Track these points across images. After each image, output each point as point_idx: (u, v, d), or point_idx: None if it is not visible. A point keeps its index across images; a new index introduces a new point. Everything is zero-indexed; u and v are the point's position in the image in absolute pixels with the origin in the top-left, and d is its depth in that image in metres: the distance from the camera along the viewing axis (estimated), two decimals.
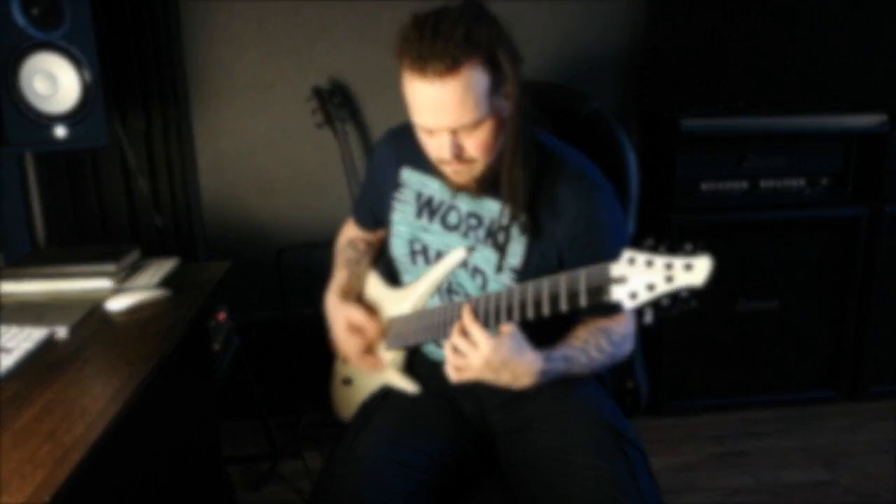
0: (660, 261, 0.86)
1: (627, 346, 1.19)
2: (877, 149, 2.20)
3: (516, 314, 1.04)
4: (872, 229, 2.24)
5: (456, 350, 1.06)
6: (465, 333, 1.05)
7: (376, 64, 2.09)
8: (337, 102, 2.11)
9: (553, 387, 1.12)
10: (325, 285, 1.34)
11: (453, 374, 1.07)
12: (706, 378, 2.30)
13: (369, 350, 1.28)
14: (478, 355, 1.04)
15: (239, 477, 2.00)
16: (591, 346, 1.14)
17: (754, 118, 2.15)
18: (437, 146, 1.09)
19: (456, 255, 1.17)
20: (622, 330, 1.17)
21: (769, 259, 2.23)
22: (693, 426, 2.25)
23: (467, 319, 1.06)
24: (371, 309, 1.28)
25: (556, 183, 1.14)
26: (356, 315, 1.26)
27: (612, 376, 1.33)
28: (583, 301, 0.94)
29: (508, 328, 1.05)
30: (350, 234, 1.43)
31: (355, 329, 1.26)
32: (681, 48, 2.26)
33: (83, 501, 0.84)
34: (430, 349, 1.26)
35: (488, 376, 1.05)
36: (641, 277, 0.87)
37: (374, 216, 1.35)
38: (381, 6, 2.10)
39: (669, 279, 0.85)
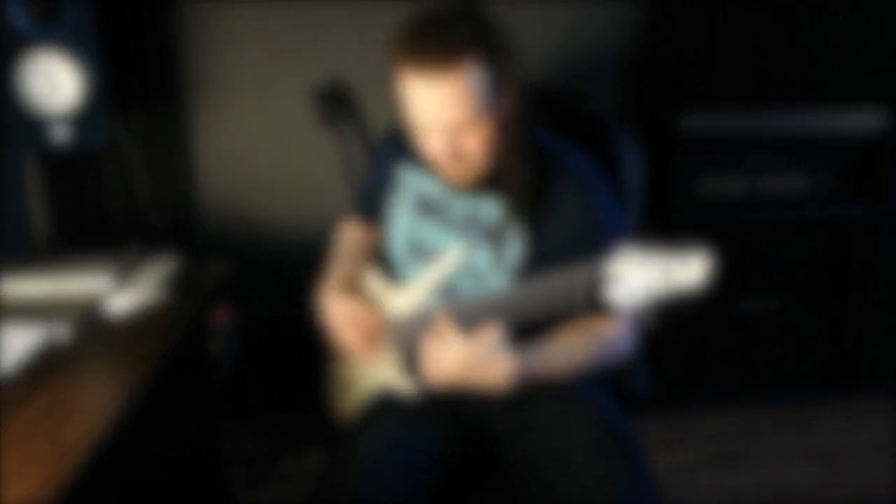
0: (657, 259, 0.86)
1: (621, 349, 1.17)
2: (878, 148, 2.20)
3: (511, 314, 1.04)
4: (873, 229, 2.24)
5: (431, 353, 1.07)
6: (439, 336, 1.07)
7: (376, 64, 2.08)
8: (337, 103, 2.11)
9: (553, 387, 1.12)
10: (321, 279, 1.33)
11: (430, 376, 1.08)
12: (706, 378, 2.30)
13: (370, 342, 1.25)
14: (450, 355, 1.04)
15: (239, 477, 2.00)
16: (576, 349, 1.13)
17: (754, 118, 2.15)
18: (435, 146, 1.09)
19: (453, 255, 1.17)
20: (614, 332, 1.15)
21: (769, 259, 2.23)
22: (693, 426, 2.25)
23: (441, 320, 1.07)
24: (370, 303, 1.27)
25: (556, 182, 1.15)
26: (356, 306, 1.24)
27: (612, 376, 1.33)
28: (578, 300, 0.94)
29: (490, 329, 1.05)
30: (350, 234, 1.42)
31: (356, 321, 1.24)
32: (681, 48, 2.26)
33: (83, 502, 0.84)
34: None
35: (463, 377, 1.05)
36: (638, 276, 0.87)
37: (376, 210, 1.35)
38: (381, 6, 2.10)
39: (666, 277, 0.85)
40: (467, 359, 1.04)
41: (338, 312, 1.26)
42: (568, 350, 1.13)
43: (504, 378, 1.05)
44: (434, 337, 1.08)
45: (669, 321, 1.03)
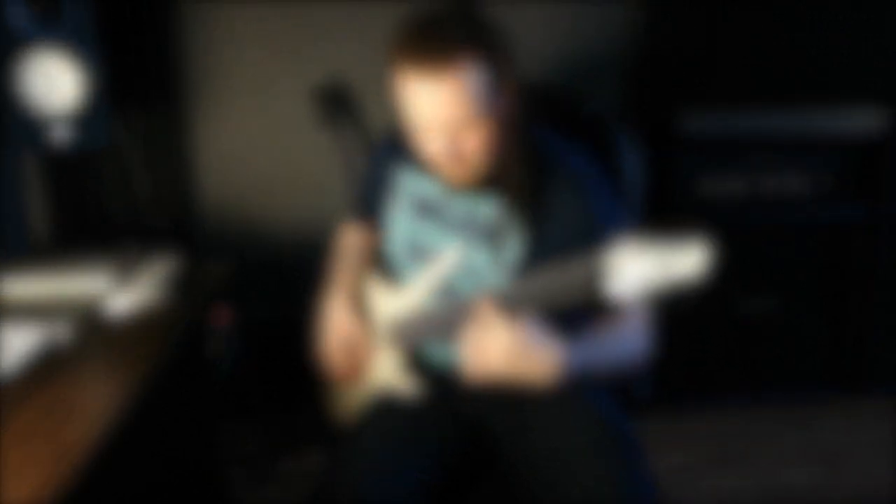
0: (655, 249, 0.86)
1: (639, 346, 1.12)
2: (878, 149, 2.20)
3: (514, 311, 1.04)
4: (873, 229, 2.24)
5: (473, 343, 1.00)
6: (482, 324, 0.99)
7: (376, 64, 2.08)
8: (337, 103, 2.11)
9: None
10: (325, 285, 1.33)
11: (472, 369, 1.00)
12: (706, 378, 2.30)
13: (354, 369, 1.26)
14: (498, 343, 0.97)
15: (239, 477, 2.00)
16: (613, 347, 1.09)
17: (754, 118, 2.15)
18: (434, 146, 1.09)
19: (450, 255, 1.17)
20: (629, 329, 1.11)
21: (769, 259, 2.23)
22: (693, 426, 2.25)
23: (485, 309, 1.00)
24: (369, 324, 1.27)
25: (555, 182, 1.15)
26: (355, 327, 1.24)
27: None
28: (577, 294, 0.93)
29: (530, 317, 0.99)
30: (351, 239, 1.42)
31: (349, 343, 1.25)
32: (681, 48, 2.26)
33: (83, 502, 0.84)
34: (430, 354, 1.26)
35: (509, 369, 0.98)
36: (635, 267, 0.86)
37: (375, 212, 1.35)
38: (381, 6, 2.10)
39: (664, 268, 0.85)
40: (517, 344, 0.97)
41: (336, 327, 1.26)
42: (606, 347, 1.09)
43: (551, 370, 0.99)
44: (477, 325, 1.00)
45: (670, 319, 1.03)
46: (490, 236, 1.16)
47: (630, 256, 0.86)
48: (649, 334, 1.13)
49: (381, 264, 1.34)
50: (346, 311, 1.27)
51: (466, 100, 1.03)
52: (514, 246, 1.15)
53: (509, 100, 1.08)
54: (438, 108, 1.04)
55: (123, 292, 1.32)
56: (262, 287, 2.22)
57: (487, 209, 1.17)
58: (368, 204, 1.38)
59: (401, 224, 1.27)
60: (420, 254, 1.24)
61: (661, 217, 2.22)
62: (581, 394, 1.17)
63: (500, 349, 0.97)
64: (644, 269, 0.85)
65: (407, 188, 1.27)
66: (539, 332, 0.99)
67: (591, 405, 1.16)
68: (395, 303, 1.25)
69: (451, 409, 1.23)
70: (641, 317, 1.12)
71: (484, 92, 1.04)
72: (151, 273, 1.43)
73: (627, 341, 1.12)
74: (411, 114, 1.08)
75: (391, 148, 1.31)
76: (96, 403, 0.95)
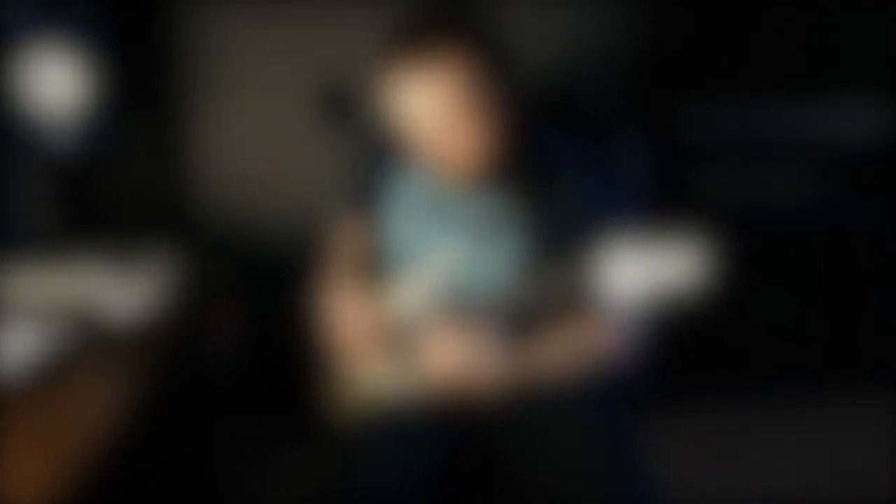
0: (652, 253, 0.86)
1: (612, 356, 1.15)
2: (880, 148, 2.20)
3: (509, 311, 1.04)
4: (874, 228, 2.24)
5: (430, 351, 1.07)
6: (439, 335, 1.07)
7: (378, 64, 2.09)
8: (340, 103, 2.11)
9: (552, 387, 1.12)
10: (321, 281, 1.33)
11: (429, 374, 1.08)
12: (706, 377, 2.30)
13: (374, 345, 1.24)
14: (449, 355, 1.05)
15: (239, 477, 2.00)
16: (570, 351, 1.12)
17: (755, 118, 2.16)
18: (431, 142, 1.08)
19: (450, 255, 1.17)
20: (608, 337, 1.13)
21: (770, 259, 2.23)
22: (693, 425, 2.25)
23: (440, 319, 1.07)
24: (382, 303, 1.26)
25: (555, 181, 1.15)
26: (369, 304, 1.22)
27: (611, 375, 1.33)
28: (573, 297, 0.94)
29: (487, 326, 1.05)
30: (346, 238, 1.41)
31: (363, 321, 1.22)
32: (681, 48, 2.25)
33: (83, 502, 0.84)
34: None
35: (461, 377, 1.05)
36: (634, 271, 0.87)
37: (372, 211, 1.35)
38: (382, 6, 2.10)
39: (661, 275, 0.85)
40: (465, 357, 1.04)
41: (349, 309, 1.23)
42: (561, 351, 1.12)
43: (498, 375, 1.05)
44: (434, 335, 1.07)
45: (668, 319, 1.03)
46: (491, 235, 1.16)
47: (628, 262, 0.87)
48: (633, 337, 1.15)
49: (379, 265, 1.34)
50: (355, 293, 1.25)
51: (458, 95, 1.03)
52: (514, 245, 1.15)
53: (506, 97, 1.08)
54: (430, 104, 1.04)
55: (124, 293, 1.32)
56: (263, 287, 2.22)
57: (488, 208, 1.17)
58: (365, 205, 1.38)
59: (400, 223, 1.27)
60: (419, 254, 1.24)
61: (661, 217, 2.22)
62: (579, 394, 1.17)
63: (451, 360, 1.05)
64: (641, 275, 0.86)
65: (406, 188, 1.27)
66: (491, 344, 1.05)
67: (589, 405, 1.16)
68: (394, 304, 1.25)
69: (450, 411, 1.23)
70: (625, 319, 1.12)
71: (476, 87, 1.04)
72: (151, 273, 1.43)
73: (600, 343, 1.13)
74: (405, 110, 1.08)
75: (389, 147, 1.31)
76: (96, 404, 0.95)
